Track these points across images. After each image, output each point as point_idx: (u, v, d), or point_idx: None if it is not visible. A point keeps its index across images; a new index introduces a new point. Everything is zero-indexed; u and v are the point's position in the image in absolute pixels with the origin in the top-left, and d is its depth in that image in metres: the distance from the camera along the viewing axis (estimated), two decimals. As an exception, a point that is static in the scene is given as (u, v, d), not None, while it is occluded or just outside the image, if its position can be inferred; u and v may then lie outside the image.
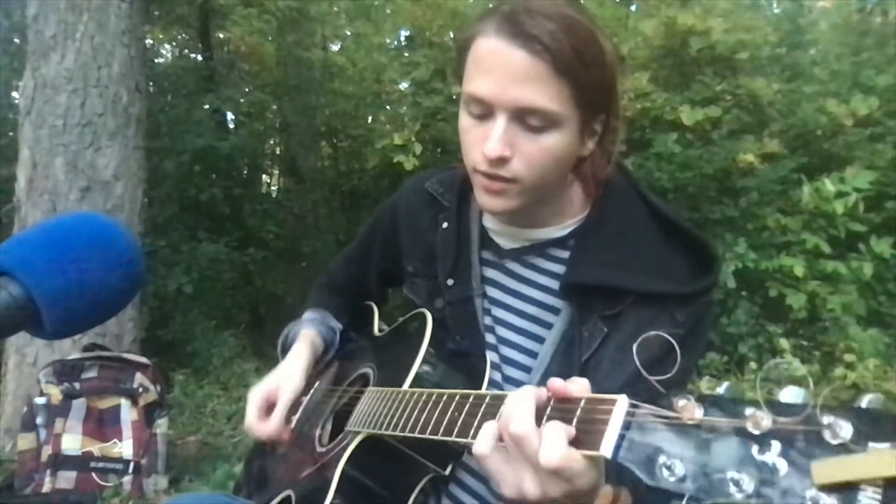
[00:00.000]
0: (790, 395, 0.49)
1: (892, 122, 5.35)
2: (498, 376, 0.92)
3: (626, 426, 0.55)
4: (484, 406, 0.69)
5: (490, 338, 0.95)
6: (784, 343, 5.01)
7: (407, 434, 0.77)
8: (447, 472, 0.90)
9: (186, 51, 7.41)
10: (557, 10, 0.78)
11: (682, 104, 5.33)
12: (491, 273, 0.98)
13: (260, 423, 0.99)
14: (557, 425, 0.58)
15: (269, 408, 1.00)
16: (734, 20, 5.62)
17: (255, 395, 1.01)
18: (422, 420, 0.76)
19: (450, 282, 0.98)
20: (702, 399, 0.51)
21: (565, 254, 0.93)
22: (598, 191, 0.93)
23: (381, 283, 1.20)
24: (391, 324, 1.13)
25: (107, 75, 3.16)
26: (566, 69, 0.76)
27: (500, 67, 0.78)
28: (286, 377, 1.02)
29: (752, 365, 4.95)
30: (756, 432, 0.47)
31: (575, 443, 0.57)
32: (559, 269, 0.92)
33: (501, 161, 0.81)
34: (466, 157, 0.86)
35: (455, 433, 0.70)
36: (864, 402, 0.45)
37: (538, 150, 0.81)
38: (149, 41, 6.20)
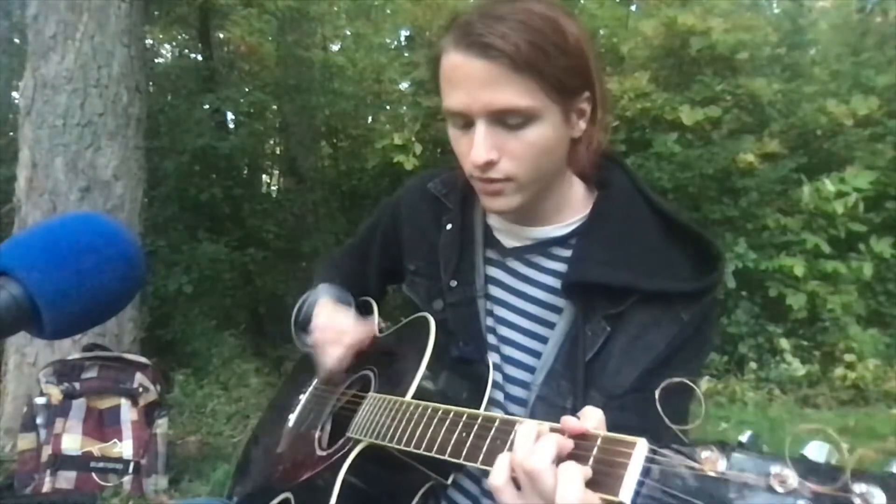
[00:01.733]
0: (815, 450, 0.48)
1: (892, 122, 5.35)
2: (499, 377, 0.92)
3: (646, 472, 0.53)
4: (493, 430, 0.69)
5: (492, 338, 0.95)
6: (784, 343, 5.01)
7: (412, 450, 0.77)
8: (449, 481, 0.90)
9: (186, 51, 7.41)
10: (513, 6, 0.80)
11: (682, 104, 5.33)
12: (493, 272, 0.98)
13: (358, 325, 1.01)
14: (574, 467, 0.58)
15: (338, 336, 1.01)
16: (734, 20, 5.62)
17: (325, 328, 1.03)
18: (427, 437, 0.76)
19: (453, 283, 0.98)
20: (724, 448, 0.50)
21: (567, 252, 0.92)
22: (595, 170, 0.94)
23: (380, 281, 1.19)
24: (389, 322, 1.13)
25: (107, 75, 3.16)
26: (526, 65, 0.78)
27: (466, 79, 0.80)
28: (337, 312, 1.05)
29: (752, 365, 4.96)
30: (781, 490, 0.46)
31: (591, 484, 0.57)
32: (561, 267, 0.92)
33: (490, 165, 0.83)
34: (462, 167, 0.89)
35: (463, 456, 0.70)
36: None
37: (524, 146, 0.82)
38: (149, 41, 6.20)
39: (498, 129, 0.81)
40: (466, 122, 0.83)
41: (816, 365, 4.94)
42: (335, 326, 1.02)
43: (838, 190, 4.90)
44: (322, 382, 1.12)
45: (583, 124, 0.87)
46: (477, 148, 0.81)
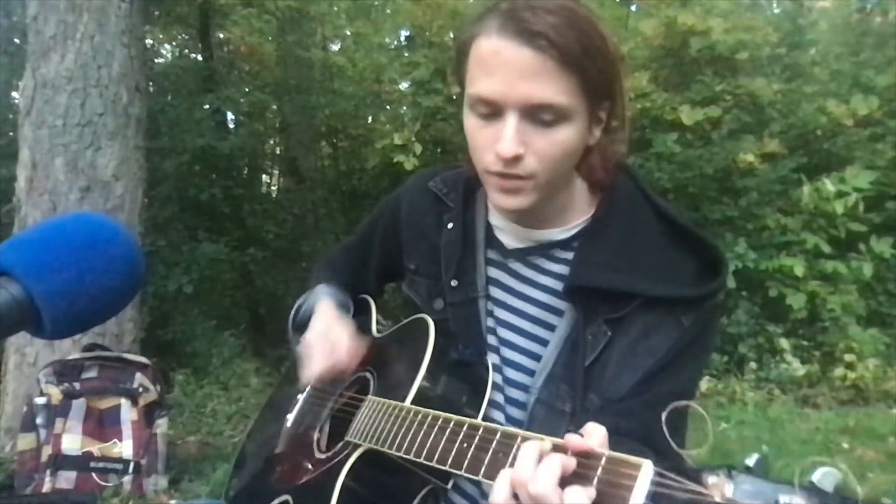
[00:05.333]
0: (824, 478, 0.47)
1: (892, 122, 5.35)
2: (499, 378, 0.92)
3: (651, 496, 0.53)
4: (495, 443, 0.68)
5: (492, 339, 0.94)
6: (784, 343, 5.01)
7: (412, 458, 0.76)
8: (449, 486, 0.89)
9: (186, 51, 7.40)
10: (557, 3, 0.78)
11: (682, 104, 5.33)
12: (495, 273, 0.97)
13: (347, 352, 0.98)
14: (580, 491, 0.57)
15: (332, 348, 0.99)
16: (734, 20, 5.62)
17: (319, 341, 1.00)
18: (427, 446, 0.75)
19: (454, 283, 0.97)
20: (731, 474, 0.50)
21: (569, 255, 0.92)
22: (606, 180, 0.92)
23: (378, 279, 1.18)
24: (388, 321, 1.13)
25: (107, 75, 3.16)
26: (573, 62, 0.76)
27: (507, 66, 0.77)
28: (333, 320, 1.02)
29: (752, 365, 4.96)
30: None
31: None
32: (563, 270, 0.91)
33: (516, 160, 0.80)
34: (478, 160, 0.85)
35: (464, 467, 0.69)
36: None
37: (551, 145, 0.80)
38: (149, 41, 6.21)
39: (528, 124, 0.79)
40: (492, 112, 0.80)
41: (816, 365, 4.94)
42: (329, 338, 0.99)
43: (838, 190, 4.89)
44: (303, 386, 1.11)
45: (597, 133, 0.86)
46: (506, 141, 0.78)
